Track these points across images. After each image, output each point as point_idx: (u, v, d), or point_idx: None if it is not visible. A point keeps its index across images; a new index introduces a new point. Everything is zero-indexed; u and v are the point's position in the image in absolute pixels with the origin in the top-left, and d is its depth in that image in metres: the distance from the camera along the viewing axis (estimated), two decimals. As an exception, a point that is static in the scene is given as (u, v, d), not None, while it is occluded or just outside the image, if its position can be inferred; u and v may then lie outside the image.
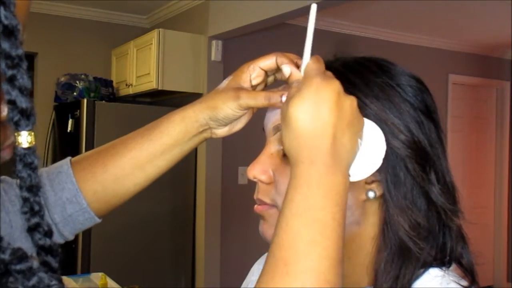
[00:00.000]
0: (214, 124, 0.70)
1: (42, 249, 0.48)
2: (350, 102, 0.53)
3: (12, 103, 0.41)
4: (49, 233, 0.49)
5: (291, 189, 0.51)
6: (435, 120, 0.61)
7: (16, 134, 0.43)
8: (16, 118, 0.42)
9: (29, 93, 0.42)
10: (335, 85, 0.52)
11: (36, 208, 0.48)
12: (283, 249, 0.49)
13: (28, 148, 0.44)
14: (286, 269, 0.47)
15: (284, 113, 0.53)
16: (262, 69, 0.68)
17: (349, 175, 0.54)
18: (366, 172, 0.57)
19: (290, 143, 0.52)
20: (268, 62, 0.67)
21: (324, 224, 0.49)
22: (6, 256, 0.40)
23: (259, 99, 0.64)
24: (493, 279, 5.15)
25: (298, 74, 0.57)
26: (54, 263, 0.49)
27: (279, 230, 0.50)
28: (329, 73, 0.55)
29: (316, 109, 0.51)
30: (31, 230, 0.48)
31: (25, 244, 0.54)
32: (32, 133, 0.44)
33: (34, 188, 0.47)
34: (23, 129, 0.43)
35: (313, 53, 0.58)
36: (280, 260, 0.48)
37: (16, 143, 0.44)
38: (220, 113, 0.68)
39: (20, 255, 0.41)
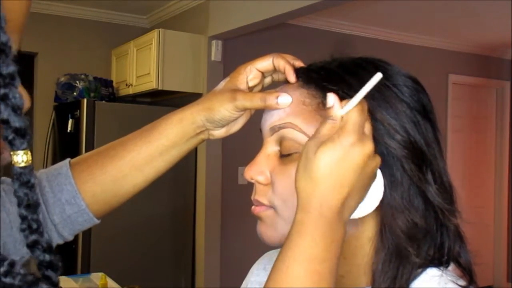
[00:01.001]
0: (211, 126, 0.70)
1: (42, 264, 0.48)
2: (375, 165, 0.54)
3: (5, 122, 0.41)
4: (48, 249, 0.49)
5: (295, 234, 0.52)
6: (431, 120, 0.61)
7: (12, 153, 0.43)
8: (10, 137, 0.42)
9: (22, 112, 0.41)
10: (368, 148, 0.52)
11: (34, 226, 0.47)
12: None
13: (24, 167, 0.44)
14: None
15: (308, 152, 0.53)
16: (259, 71, 0.68)
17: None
18: (362, 213, 0.57)
19: (303, 186, 0.53)
20: (265, 63, 0.67)
21: (321, 276, 0.51)
22: (16, 282, 0.40)
23: (255, 101, 0.64)
24: (493, 279, 5.15)
25: (338, 112, 0.53)
26: (54, 277, 0.49)
27: (278, 272, 0.52)
28: (367, 130, 0.54)
29: (342, 166, 0.51)
30: (30, 247, 0.48)
31: (22, 245, 0.54)
32: (28, 152, 0.43)
33: (31, 207, 0.47)
34: (18, 149, 0.43)
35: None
36: None
37: (13, 162, 0.43)
38: (217, 114, 0.68)
39: (30, 281, 0.41)
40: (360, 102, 0.53)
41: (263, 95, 0.63)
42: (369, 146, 0.52)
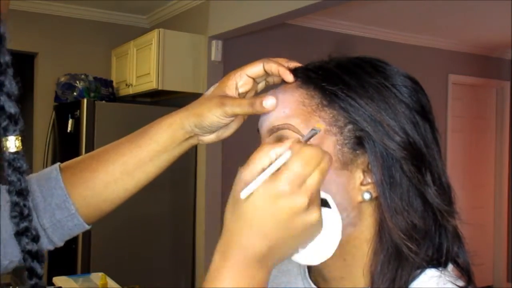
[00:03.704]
0: (200, 132, 0.70)
1: (28, 254, 0.48)
2: (309, 221, 0.51)
3: (0, 108, 0.42)
4: (36, 238, 0.49)
5: (215, 272, 0.51)
6: (430, 121, 0.61)
7: (3, 139, 0.44)
8: (4, 124, 0.43)
9: (17, 99, 0.43)
10: (298, 203, 0.49)
11: (26, 212, 0.48)
12: None
13: (16, 153, 0.45)
14: None
15: (236, 189, 0.51)
16: (250, 77, 0.67)
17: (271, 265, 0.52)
18: (318, 260, 0.56)
19: (229, 221, 0.52)
20: (255, 69, 0.66)
21: None
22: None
23: (243, 106, 0.63)
24: (493, 279, 5.15)
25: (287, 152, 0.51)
26: (39, 269, 0.49)
27: None
28: (313, 183, 0.50)
29: (265, 216, 0.49)
30: (20, 234, 0.48)
31: (14, 249, 0.55)
32: (19, 138, 0.44)
33: (24, 192, 0.47)
34: (11, 134, 0.44)
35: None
36: None
37: (4, 148, 0.44)
38: (205, 120, 0.67)
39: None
40: (310, 154, 0.50)
41: (250, 100, 0.63)
42: (300, 201, 0.49)
